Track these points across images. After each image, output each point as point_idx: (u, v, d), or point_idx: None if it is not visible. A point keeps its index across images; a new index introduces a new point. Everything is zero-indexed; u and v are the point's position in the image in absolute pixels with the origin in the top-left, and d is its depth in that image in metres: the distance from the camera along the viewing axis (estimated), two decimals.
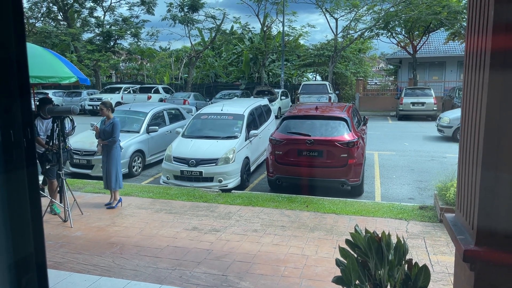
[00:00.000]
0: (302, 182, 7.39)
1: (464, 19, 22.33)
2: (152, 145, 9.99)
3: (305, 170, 7.21)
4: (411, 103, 19.91)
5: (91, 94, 26.03)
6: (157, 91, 25.73)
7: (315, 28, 58.61)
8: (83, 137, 9.58)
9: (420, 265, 2.33)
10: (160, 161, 9.07)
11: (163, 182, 8.06)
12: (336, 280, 2.36)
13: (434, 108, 19.78)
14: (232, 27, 32.46)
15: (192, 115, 12.17)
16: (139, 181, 8.84)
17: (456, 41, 24.91)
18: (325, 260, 4.48)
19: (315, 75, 38.33)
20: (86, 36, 32.95)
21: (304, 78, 37.53)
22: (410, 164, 10.16)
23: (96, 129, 6.57)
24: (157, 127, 10.16)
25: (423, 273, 2.28)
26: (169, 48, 41.52)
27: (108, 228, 5.58)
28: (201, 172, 7.63)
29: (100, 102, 6.47)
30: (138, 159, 9.43)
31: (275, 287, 3.93)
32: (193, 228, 5.53)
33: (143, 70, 40.16)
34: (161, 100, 22.95)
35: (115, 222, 5.81)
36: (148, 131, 9.90)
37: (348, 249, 2.39)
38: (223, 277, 4.13)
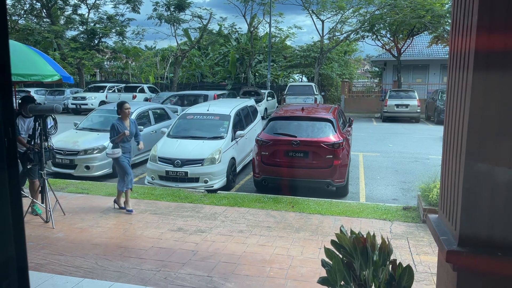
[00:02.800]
0: (288, 182, 7.42)
1: (447, 23, 22.76)
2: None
3: (291, 171, 7.23)
4: (395, 105, 20.21)
5: (75, 93, 25.61)
6: (142, 91, 25.47)
7: (301, 30, 58.88)
8: (65, 137, 9.42)
9: (404, 266, 2.35)
10: (145, 161, 8.98)
11: (148, 182, 7.97)
12: (322, 281, 2.36)
13: (418, 110, 20.11)
14: (221, 26, 32.35)
15: (177, 115, 12.07)
16: None
17: (439, 44, 25.37)
18: (310, 261, 4.50)
19: (301, 76, 38.53)
20: (69, 33, 32.46)
21: (290, 79, 37.68)
22: (394, 165, 10.29)
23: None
24: (142, 127, 10.02)
25: (407, 273, 2.31)
26: (154, 47, 41.19)
27: (91, 229, 5.49)
28: (186, 173, 7.58)
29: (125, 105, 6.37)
30: None
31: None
32: (178, 229, 5.49)
33: (128, 69, 39.69)
34: (146, 100, 22.73)
35: (98, 223, 5.72)
36: None
37: (334, 249, 2.40)
38: (208, 278, 4.11)
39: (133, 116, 10.04)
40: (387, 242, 2.36)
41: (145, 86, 26.51)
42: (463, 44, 1.95)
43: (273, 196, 6.99)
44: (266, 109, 22.03)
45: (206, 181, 7.58)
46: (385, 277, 2.29)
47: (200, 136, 8.45)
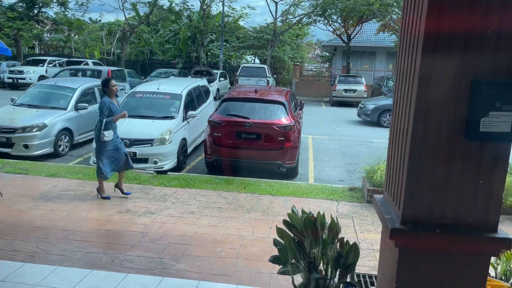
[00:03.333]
0: (240, 164, 7.45)
1: (394, 12, 23.64)
2: (81, 124, 9.39)
3: (243, 153, 7.26)
4: (343, 90, 20.85)
5: (12, 66, 23.67)
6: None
7: (255, 11, 58.37)
8: (2, 113, 8.75)
9: (351, 243, 2.47)
10: (90, 141, 8.59)
11: (93, 162, 7.63)
12: (273, 260, 2.42)
13: (365, 96, 20.90)
14: (171, 3, 31.18)
15: (126, 92, 11.59)
16: (67, 162, 8.31)
17: (386, 32, 26.35)
18: (261, 240, 4.59)
19: (253, 58, 38.43)
20: (7, 1, 29.68)
21: (243, 60, 37.46)
22: (341, 148, 10.68)
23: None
24: (86, 104, 9.56)
25: (353, 250, 2.43)
26: (100, 21, 38.89)
27: (32, 211, 5.19)
28: (135, 153, 7.34)
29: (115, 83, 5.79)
30: (65, 138, 8.83)
31: (211, 267, 3.95)
32: (127, 211, 5.34)
33: (70, 43, 37.25)
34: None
35: (39, 205, 5.42)
36: (76, 108, 9.28)
37: (285, 229, 2.46)
38: (158, 260, 4.06)
39: (77, 93, 9.53)
40: (336, 221, 2.46)
41: (90, 62, 25.08)
42: (413, 28, 2.03)
43: (224, 178, 7.00)
44: (218, 89, 21.80)
45: (155, 162, 7.41)
46: (333, 254, 2.40)
47: (150, 115, 8.19)
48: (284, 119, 7.33)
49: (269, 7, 29.83)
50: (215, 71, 23.19)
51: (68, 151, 8.93)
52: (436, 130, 1.97)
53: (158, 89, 8.87)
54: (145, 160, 7.41)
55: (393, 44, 26.55)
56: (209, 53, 33.59)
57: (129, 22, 29.57)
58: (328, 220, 2.51)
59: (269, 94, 8.34)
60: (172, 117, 8.12)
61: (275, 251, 2.72)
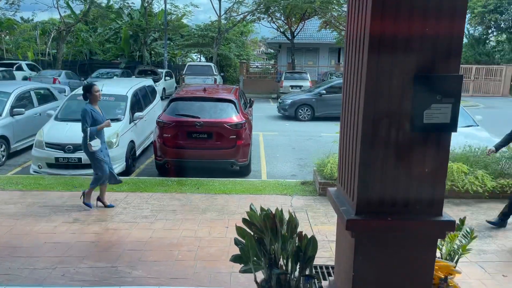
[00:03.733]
0: (192, 164, 7.35)
1: (334, 9, 24.46)
2: (18, 130, 8.76)
3: (194, 153, 7.17)
4: (290, 86, 21.27)
5: None
6: (20, 68, 22.51)
7: (198, 8, 57.38)
8: None
9: (309, 237, 2.53)
10: (29, 148, 8.04)
11: (34, 171, 7.17)
12: (234, 259, 2.42)
13: None
14: (109, 0, 29.89)
15: (65, 95, 10.99)
16: (4, 172, 7.72)
17: (328, 29, 27.19)
18: (219, 240, 4.57)
19: (199, 56, 38.00)
20: None
21: (188, 58, 36.92)
22: (291, 143, 10.90)
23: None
24: (23, 109, 8.92)
25: (312, 243, 2.49)
26: (32, 20, 36.38)
27: None
28: (79, 159, 6.98)
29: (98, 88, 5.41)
30: (1, 147, 8.19)
31: (169, 272, 3.87)
32: (75, 220, 5.08)
33: (1, 44, 34.51)
34: (25, 79, 20.17)
35: None
36: (12, 113, 8.64)
37: (245, 227, 2.47)
38: (113, 269, 3.90)
39: (12, 97, 8.88)
40: (293, 216, 2.51)
41: (23, 63, 23.46)
42: (359, 28, 2.11)
43: (177, 179, 6.87)
44: (164, 89, 21.32)
45: None
46: (293, 249, 2.44)
47: None
48: (235, 117, 7.33)
49: (212, 5, 29.66)
50: (160, 70, 22.64)
51: (5, 160, 8.29)
52: (385, 123, 2.07)
53: (101, 90, 8.45)
54: (91, 166, 7.06)
55: (334, 40, 27.48)
56: (152, 52, 32.69)
57: (64, 21, 27.95)
58: (286, 216, 2.56)
59: (218, 93, 8.30)
60: (118, 119, 7.81)
61: (233, 250, 2.73)
